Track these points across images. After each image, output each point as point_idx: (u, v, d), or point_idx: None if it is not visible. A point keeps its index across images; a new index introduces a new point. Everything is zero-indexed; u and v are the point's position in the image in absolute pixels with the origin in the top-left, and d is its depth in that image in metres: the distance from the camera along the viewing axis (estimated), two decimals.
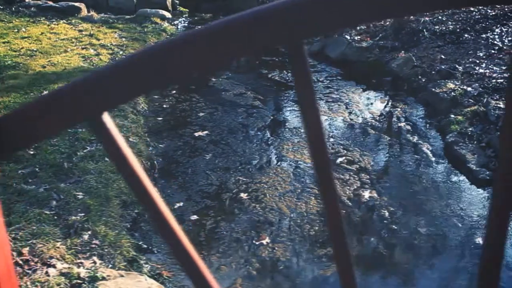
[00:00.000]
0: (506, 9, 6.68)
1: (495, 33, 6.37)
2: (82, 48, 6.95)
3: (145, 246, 3.37)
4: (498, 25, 6.51)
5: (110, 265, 2.98)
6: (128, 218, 3.58)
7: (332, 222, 0.41)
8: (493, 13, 6.83)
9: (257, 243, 3.42)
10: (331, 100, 5.77)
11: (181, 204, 3.84)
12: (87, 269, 2.85)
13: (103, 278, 2.75)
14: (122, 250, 3.16)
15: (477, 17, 6.92)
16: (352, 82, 6.31)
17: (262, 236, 3.47)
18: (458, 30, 6.61)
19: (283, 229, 3.54)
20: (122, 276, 2.83)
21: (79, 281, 2.72)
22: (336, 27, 0.36)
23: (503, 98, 5.00)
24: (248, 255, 3.31)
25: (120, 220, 3.49)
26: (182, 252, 0.41)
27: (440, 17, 7.03)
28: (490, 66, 5.69)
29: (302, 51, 0.36)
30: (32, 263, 2.80)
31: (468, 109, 5.06)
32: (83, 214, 3.32)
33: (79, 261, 2.94)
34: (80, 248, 3.04)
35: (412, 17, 7.12)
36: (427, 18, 6.99)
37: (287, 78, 6.45)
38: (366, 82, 6.26)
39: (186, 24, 9.30)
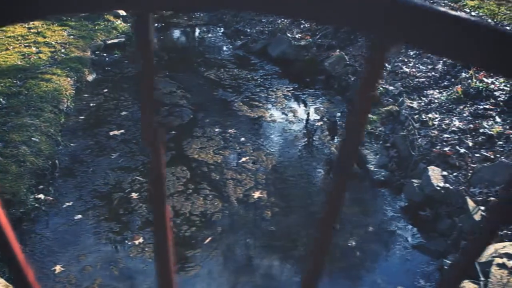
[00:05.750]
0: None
1: None
2: (25, 46, 6.97)
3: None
4: None
5: None
6: None
7: None
8: None
9: (129, 243, 3.45)
10: (257, 99, 5.76)
11: (70, 203, 3.87)
12: None
13: None
14: None
15: None
16: (285, 80, 6.30)
17: (136, 236, 3.49)
18: None
19: None
20: None
21: None
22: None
23: (417, 98, 4.98)
24: (116, 255, 3.33)
25: None
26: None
27: None
28: (416, 65, 5.66)
29: None
30: None
31: (385, 108, 5.05)
32: None
33: None
34: None
35: None
36: None
37: (222, 77, 6.44)
38: (299, 80, 6.25)
39: None
